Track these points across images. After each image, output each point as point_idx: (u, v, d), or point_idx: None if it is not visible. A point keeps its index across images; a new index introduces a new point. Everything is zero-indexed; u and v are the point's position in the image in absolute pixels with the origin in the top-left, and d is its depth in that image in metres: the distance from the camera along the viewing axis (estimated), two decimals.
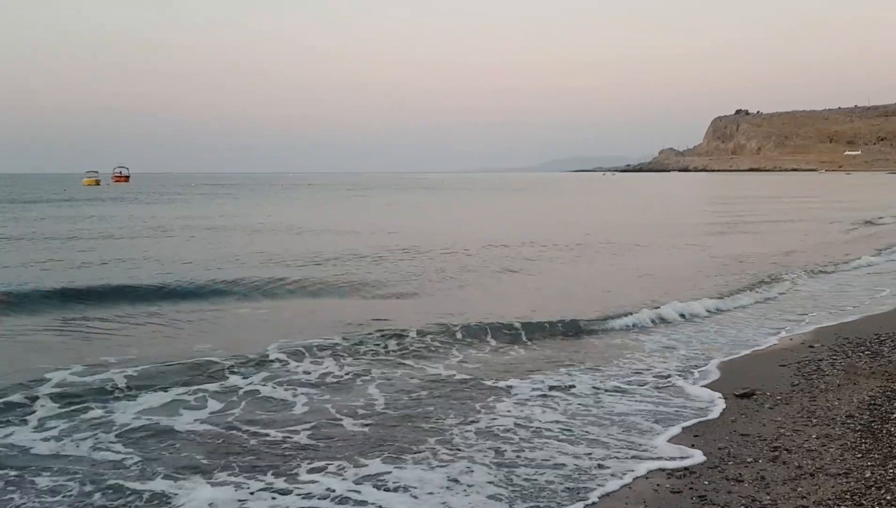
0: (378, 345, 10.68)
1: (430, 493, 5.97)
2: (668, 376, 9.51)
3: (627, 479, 6.24)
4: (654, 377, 9.48)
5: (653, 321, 12.85)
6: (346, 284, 16.56)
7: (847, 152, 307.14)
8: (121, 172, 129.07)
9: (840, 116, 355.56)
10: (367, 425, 7.60)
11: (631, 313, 12.99)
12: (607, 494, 6.00)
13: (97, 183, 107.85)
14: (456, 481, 6.20)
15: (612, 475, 6.36)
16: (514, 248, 23.78)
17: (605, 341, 11.63)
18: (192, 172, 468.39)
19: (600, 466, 6.52)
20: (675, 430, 7.45)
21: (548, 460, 6.66)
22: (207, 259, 20.26)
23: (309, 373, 9.39)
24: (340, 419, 7.75)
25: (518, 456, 6.74)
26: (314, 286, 16.18)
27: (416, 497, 5.90)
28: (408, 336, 11.05)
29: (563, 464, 6.57)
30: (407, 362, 10.10)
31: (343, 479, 6.23)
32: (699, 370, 9.83)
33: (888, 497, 5.55)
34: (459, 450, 6.87)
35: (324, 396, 8.56)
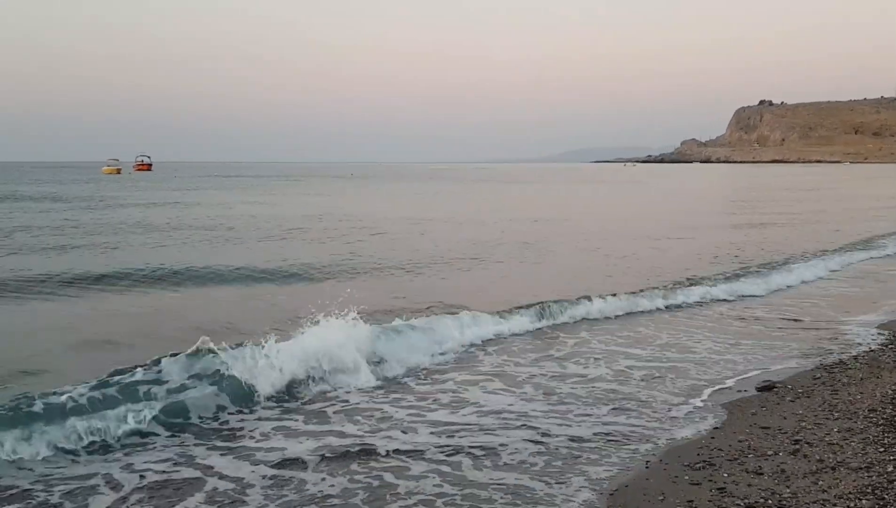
0: None
1: None
2: None
3: None
4: None
5: None
6: None
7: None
8: (143, 161, 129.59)
9: (866, 108, 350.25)
10: None
11: None
12: None
13: (118, 172, 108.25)
14: None
15: None
16: None
17: None
18: (209, 161, 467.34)
19: None
20: None
21: None
22: None
23: None
24: None
25: None
26: None
27: None
28: None
29: None
30: None
31: None
32: None
33: None
34: None
35: None
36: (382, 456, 6.63)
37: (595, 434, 7.21)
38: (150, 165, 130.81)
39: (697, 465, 6.33)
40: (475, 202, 48.48)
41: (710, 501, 5.62)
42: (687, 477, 6.09)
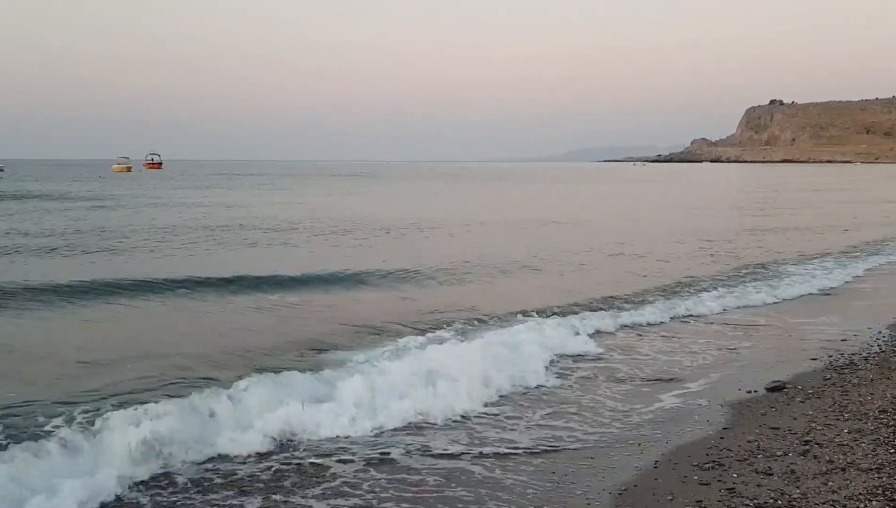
0: None
1: None
2: None
3: None
4: None
5: None
6: None
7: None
8: (153, 159, 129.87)
9: (877, 107, 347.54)
10: None
11: None
12: None
13: (128, 170, 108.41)
14: None
15: None
16: None
17: None
18: (209, 160, 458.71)
19: None
20: None
21: None
22: None
23: None
24: None
25: None
26: None
27: None
28: None
29: None
30: None
31: None
32: None
33: None
34: None
35: None
36: (307, 447, 6.84)
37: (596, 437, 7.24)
38: (161, 163, 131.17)
39: (706, 465, 6.33)
40: (482, 202, 48.47)
41: (719, 501, 5.62)
42: (696, 477, 6.09)
